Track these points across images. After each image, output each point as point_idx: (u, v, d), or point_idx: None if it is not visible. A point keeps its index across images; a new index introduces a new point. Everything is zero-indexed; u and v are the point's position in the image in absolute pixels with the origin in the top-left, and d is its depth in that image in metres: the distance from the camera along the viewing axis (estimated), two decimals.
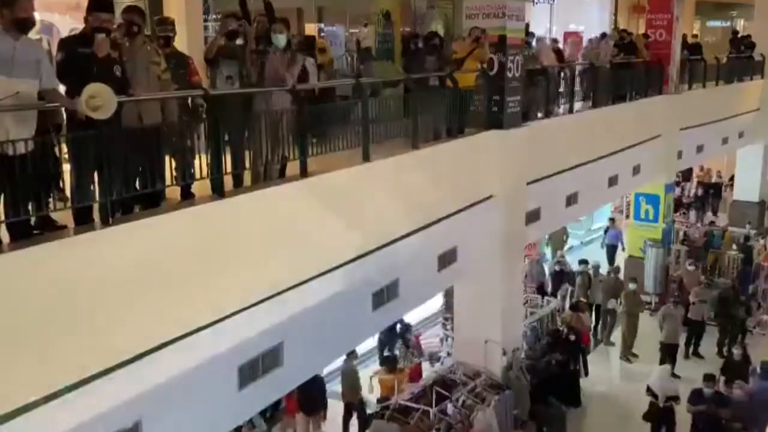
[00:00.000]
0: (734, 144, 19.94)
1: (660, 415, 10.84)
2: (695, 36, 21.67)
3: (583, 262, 15.44)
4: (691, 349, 13.82)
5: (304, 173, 6.82)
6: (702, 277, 15.48)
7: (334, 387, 11.41)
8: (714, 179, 23.37)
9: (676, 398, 10.88)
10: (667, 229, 16.49)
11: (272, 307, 6.38)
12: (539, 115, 11.41)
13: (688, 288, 14.70)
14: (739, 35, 20.53)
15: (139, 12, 6.15)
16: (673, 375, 12.05)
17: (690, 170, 22.87)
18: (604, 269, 15.65)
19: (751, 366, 11.53)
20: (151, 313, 5.32)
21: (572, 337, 12.39)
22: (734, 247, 17.60)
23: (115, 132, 5.19)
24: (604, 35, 14.84)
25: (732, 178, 22.72)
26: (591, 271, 15.04)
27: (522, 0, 10.80)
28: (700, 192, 22.69)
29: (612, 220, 18.98)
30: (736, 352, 12.02)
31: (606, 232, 18.78)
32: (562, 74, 12.59)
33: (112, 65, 5.37)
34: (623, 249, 17.75)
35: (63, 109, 5.18)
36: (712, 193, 22.84)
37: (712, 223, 20.06)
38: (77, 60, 5.13)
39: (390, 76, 10.10)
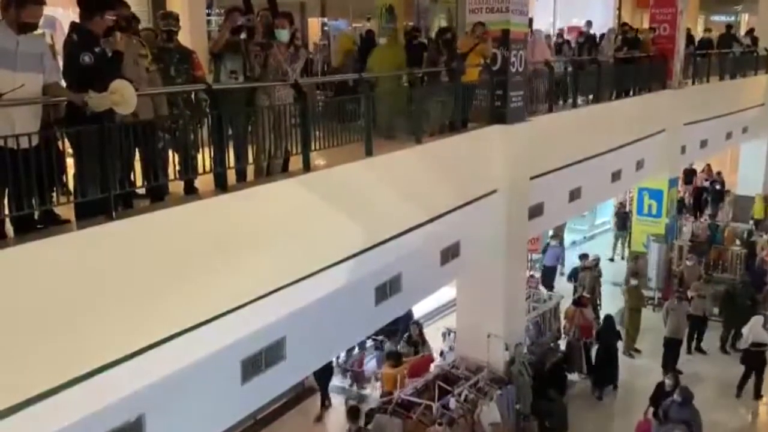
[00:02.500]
0: (738, 139, 19.88)
1: (751, 359, 11.99)
2: (709, 30, 21.35)
3: (584, 256, 15.41)
4: (693, 345, 13.79)
5: (307, 168, 6.82)
6: (702, 272, 15.45)
7: None
8: (709, 183, 21.89)
9: (767, 345, 11.79)
10: (670, 224, 16.47)
11: (275, 302, 6.38)
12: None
13: (688, 283, 14.69)
14: (732, 31, 20.23)
15: (126, 5, 6.17)
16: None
17: (693, 173, 22.25)
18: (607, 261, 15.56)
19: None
20: (153, 307, 5.33)
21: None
22: (737, 242, 17.57)
23: (119, 126, 5.19)
24: (589, 23, 15.22)
25: (714, 183, 22.25)
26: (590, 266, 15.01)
27: None
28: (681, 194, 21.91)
29: (555, 236, 16.74)
30: (668, 382, 10.43)
31: (545, 251, 16.50)
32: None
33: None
34: (562, 273, 16.38)
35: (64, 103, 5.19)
36: (706, 197, 21.51)
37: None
38: (100, 60, 5.16)
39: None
